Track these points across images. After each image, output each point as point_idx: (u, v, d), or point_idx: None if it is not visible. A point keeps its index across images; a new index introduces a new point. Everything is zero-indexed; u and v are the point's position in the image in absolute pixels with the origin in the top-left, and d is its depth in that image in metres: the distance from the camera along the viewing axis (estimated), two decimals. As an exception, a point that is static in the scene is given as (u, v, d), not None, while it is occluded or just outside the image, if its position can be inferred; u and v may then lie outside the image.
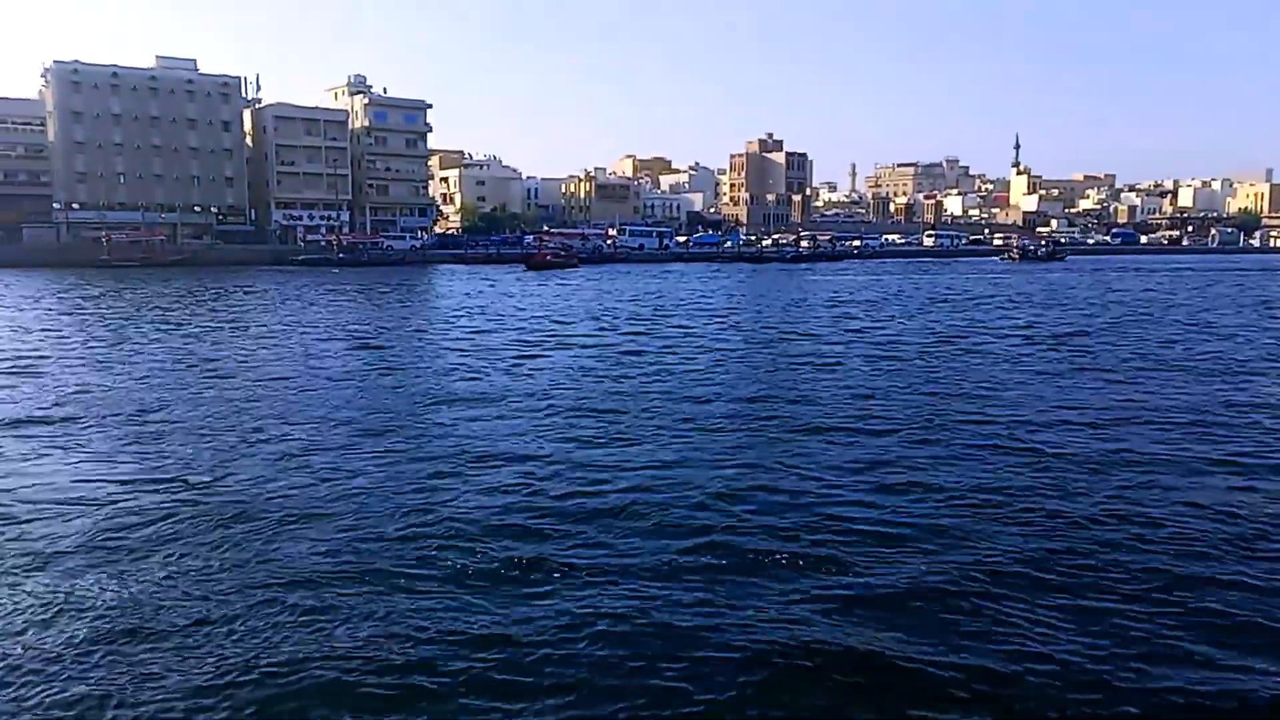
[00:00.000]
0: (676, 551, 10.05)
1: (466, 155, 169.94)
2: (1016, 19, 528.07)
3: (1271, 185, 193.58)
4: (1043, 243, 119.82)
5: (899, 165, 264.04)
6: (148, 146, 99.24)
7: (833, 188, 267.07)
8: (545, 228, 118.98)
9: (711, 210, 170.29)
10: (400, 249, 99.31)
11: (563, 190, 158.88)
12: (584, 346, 28.74)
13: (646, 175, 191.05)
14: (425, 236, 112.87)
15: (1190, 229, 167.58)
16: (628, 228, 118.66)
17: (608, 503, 11.80)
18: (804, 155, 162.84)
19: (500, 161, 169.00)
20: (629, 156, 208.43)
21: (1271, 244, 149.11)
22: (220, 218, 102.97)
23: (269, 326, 34.30)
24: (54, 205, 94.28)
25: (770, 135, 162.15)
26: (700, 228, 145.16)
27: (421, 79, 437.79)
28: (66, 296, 50.04)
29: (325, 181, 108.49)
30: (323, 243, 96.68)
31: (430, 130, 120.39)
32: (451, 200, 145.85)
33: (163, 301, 46.57)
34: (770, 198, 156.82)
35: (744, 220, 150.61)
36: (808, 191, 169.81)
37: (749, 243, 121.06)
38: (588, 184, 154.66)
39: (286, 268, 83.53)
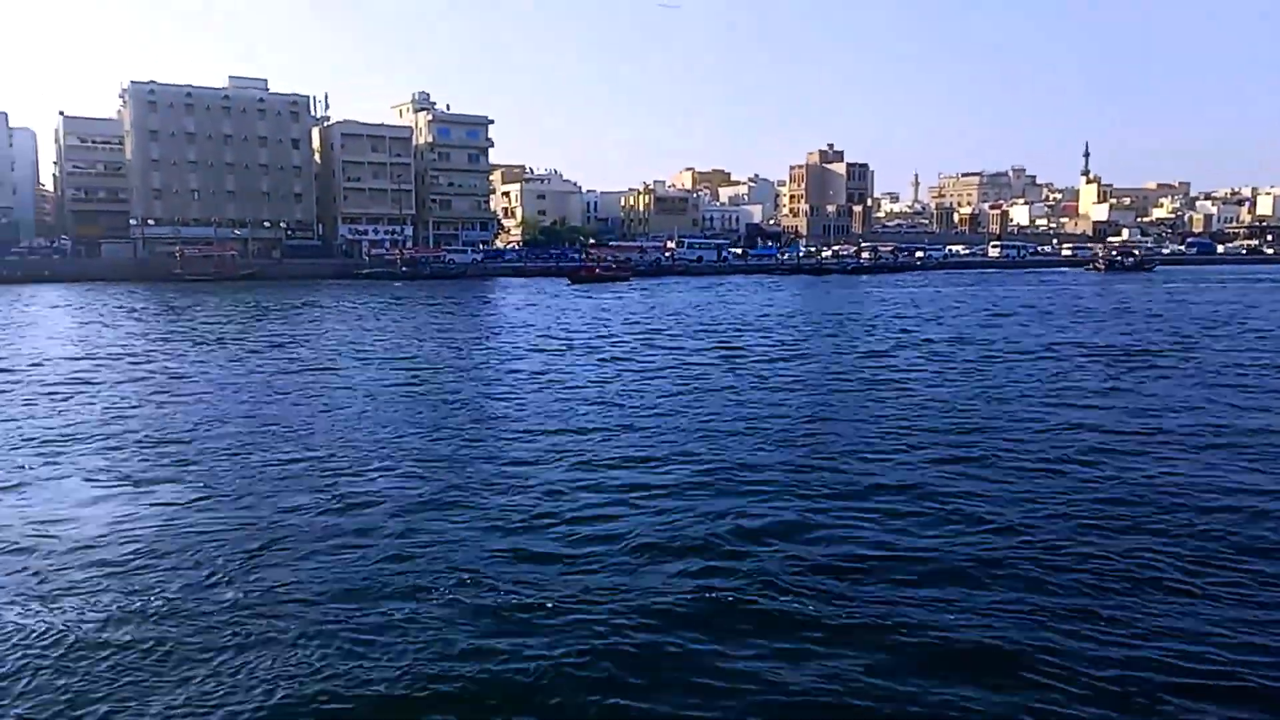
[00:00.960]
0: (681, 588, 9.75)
1: (527, 170, 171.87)
2: (1085, 24, 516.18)
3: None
4: (1134, 252, 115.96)
5: (963, 175, 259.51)
6: (220, 164, 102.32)
7: (895, 198, 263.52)
8: (599, 241, 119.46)
9: (771, 222, 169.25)
10: (462, 262, 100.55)
11: (622, 203, 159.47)
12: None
13: (705, 187, 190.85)
14: (486, 249, 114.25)
15: (1270, 237, 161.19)
16: (686, 240, 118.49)
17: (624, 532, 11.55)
18: (865, 165, 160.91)
19: (560, 175, 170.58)
20: (688, 169, 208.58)
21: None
22: (289, 233, 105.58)
23: (321, 342, 34.60)
24: (131, 221, 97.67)
25: (830, 146, 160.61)
26: (759, 239, 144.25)
27: (483, 94, 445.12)
28: (136, 310, 51.70)
29: (390, 197, 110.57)
30: (386, 257, 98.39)
31: (492, 145, 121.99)
32: (513, 214, 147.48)
33: (226, 316, 47.77)
34: (830, 209, 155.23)
35: (804, 231, 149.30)
36: (869, 202, 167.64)
37: (809, 254, 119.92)
38: (647, 197, 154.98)
39: (351, 282, 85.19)
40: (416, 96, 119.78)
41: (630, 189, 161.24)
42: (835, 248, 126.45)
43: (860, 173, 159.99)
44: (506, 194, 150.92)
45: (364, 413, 19.53)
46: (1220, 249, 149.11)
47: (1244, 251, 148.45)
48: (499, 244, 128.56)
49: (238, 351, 31.21)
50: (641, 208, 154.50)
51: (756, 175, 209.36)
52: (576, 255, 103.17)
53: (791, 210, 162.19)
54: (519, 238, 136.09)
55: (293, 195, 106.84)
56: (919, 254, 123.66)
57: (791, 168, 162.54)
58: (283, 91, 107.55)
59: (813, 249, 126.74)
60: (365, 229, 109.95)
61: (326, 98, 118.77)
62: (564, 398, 21.33)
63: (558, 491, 13.05)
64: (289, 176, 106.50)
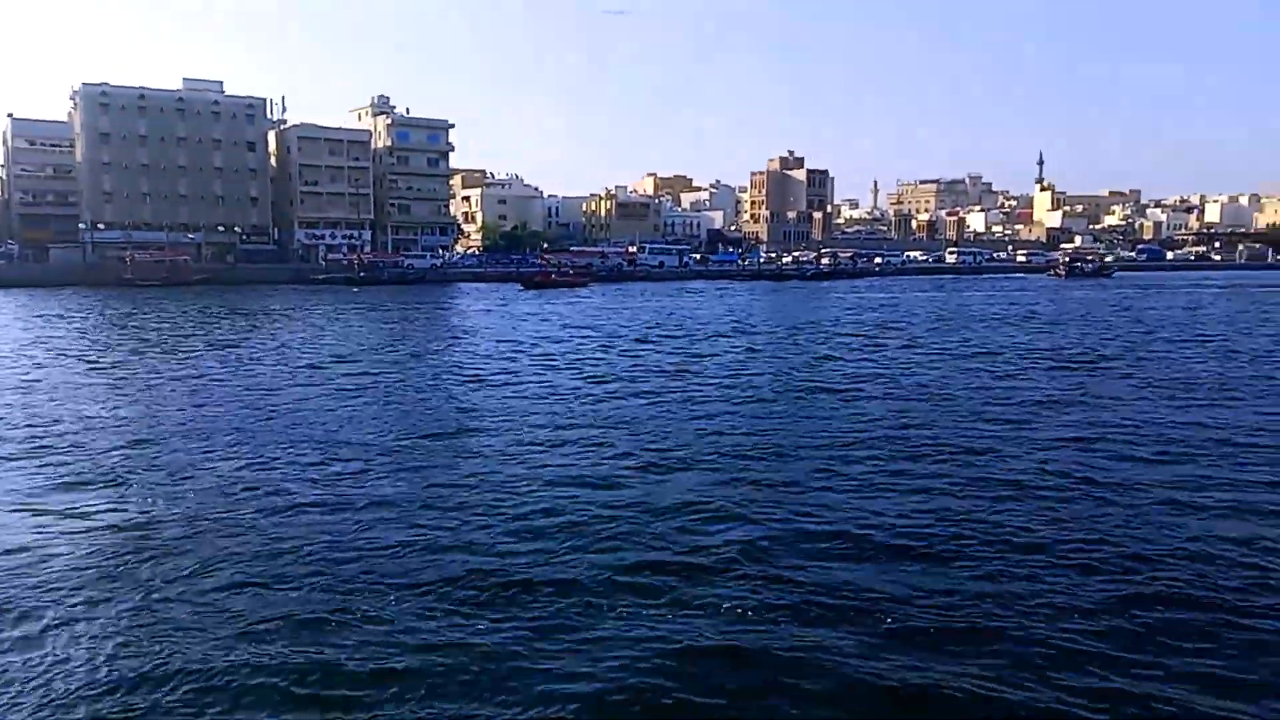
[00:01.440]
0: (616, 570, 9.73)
1: (488, 174, 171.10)
2: (1038, 34, 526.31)
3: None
4: (1094, 259, 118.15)
5: (921, 182, 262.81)
6: (173, 167, 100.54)
7: (854, 205, 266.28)
8: (561, 247, 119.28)
9: (732, 228, 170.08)
10: (421, 267, 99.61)
11: (584, 208, 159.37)
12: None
13: (667, 193, 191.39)
14: (447, 255, 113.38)
15: (1217, 245, 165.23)
16: (648, 246, 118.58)
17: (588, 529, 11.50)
18: (825, 172, 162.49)
19: (522, 181, 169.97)
20: (650, 175, 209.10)
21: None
22: (244, 237, 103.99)
23: (270, 349, 33.97)
24: (80, 225, 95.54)
25: (791, 153, 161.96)
26: (721, 245, 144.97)
27: (445, 99, 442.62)
28: (82, 315, 50.51)
29: (347, 201, 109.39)
30: (344, 262, 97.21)
31: (452, 150, 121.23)
32: (473, 219, 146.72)
33: (174, 321, 46.86)
34: (791, 215, 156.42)
35: (765, 238, 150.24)
36: (829, 209, 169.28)
37: (770, 260, 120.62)
38: (608, 202, 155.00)
39: (307, 287, 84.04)
40: (376, 100, 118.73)
41: (592, 194, 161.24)
42: (796, 254, 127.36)
43: (820, 179, 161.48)
44: (467, 199, 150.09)
45: (308, 420, 19.23)
46: (1170, 255, 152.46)
47: (1192, 258, 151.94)
48: (459, 249, 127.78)
49: (183, 358, 30.61)
50: (603, 213, 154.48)
51: (718, 181, 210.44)
52: (537, 261, 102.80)
53: (753, 216, 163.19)
54: (479, 243, 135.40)
55: (248, 199, 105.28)
56: (878, 260, 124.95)
57: (752, 174, 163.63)
58: (239, 94, 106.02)
59: (773, 255, 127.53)
60: (322, 233, 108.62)
61: (284, 101, 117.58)
62: (508, 406, 21.16)
63: (502, 499, 12.95)
64: (244, 180, 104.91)
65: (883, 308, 56.79)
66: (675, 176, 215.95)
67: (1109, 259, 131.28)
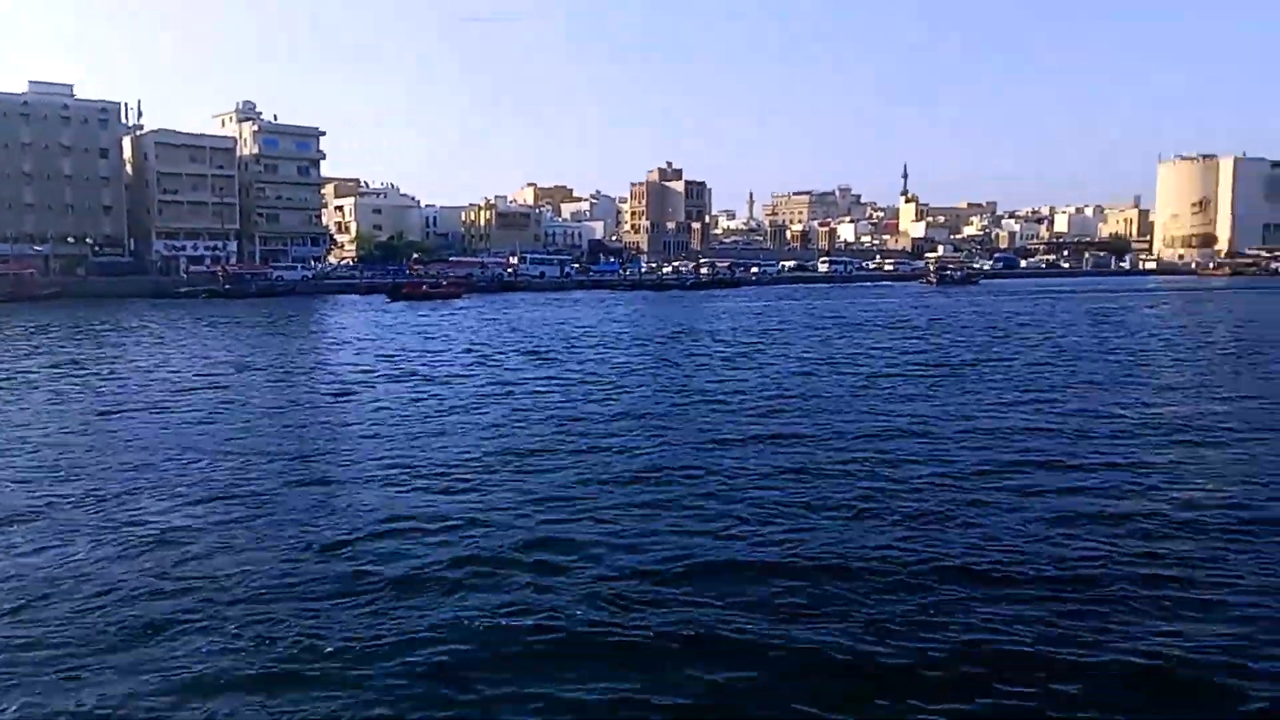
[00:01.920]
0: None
1: (363, 183, 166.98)
2: (903, 49, 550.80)
3: (1139, 211, 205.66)
4: (959, 269, 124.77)
5: (794, 194, 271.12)
6: (18, 174, 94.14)
7: (731, 215, 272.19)
8: (439, 257, 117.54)
9: (613, 238, 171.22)
10: (291, 279, 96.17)
11: (463, 219, 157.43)
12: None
13: (548, 203, 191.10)
14: (319, 266, 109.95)
15: (1066, 253, 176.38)
16: (528, 256, 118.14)
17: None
18: (703, 184, 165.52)
19: (398, 190, 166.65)
20: (530, 184, 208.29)
21: (1140, 266, 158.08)
22: (96, 248, 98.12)
23: (115, 369, 32.16)
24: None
25: (670, 164, 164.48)
26: (602, 255, 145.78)
27: (319, 109, 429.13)
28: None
29: (211, 210, 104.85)
30: (207, 273, 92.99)
31: (324, 158, 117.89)
32: (347, 229, 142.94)
33: (10, 341, 43.86)
34: (670, 226, 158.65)
35: (645, 248, 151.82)
36: (707, 219, 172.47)
37: (650, 270, 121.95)
38: (488, 212, 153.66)
39: (167, 301, 79.95)
40: (240, 106, 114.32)
41: (471, 204, 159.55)
42: (676, 264, 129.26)
43: (699, 191, 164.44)
44: (340, 208, 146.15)
45: (148, 445, 18.28)
46: (1023, 263, 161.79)
47: (1043, 265, 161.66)
48: (332, 260, 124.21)
49: (17, 384, 28.64)
50: (483, 223, 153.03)
51: (599, 192, 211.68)
52: (406, 271, 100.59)
53: (633, 227, 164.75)
54: (354, 253, 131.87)
55: (100, 208, 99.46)
56: (754, 269, 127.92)
57: (632, 185, 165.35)
58: (90, 98, 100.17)
59: (654, 265, 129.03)
60: (183, 244, 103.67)
61: (139, 105, 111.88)
62: (353, 422, 20.71)
63: (344, 514, 12.70)
64: (96, 188, 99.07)
65: (762, 315, 58.21)
66: (555, 187, 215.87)
67: (976, 266, 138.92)
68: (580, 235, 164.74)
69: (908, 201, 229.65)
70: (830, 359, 32.58)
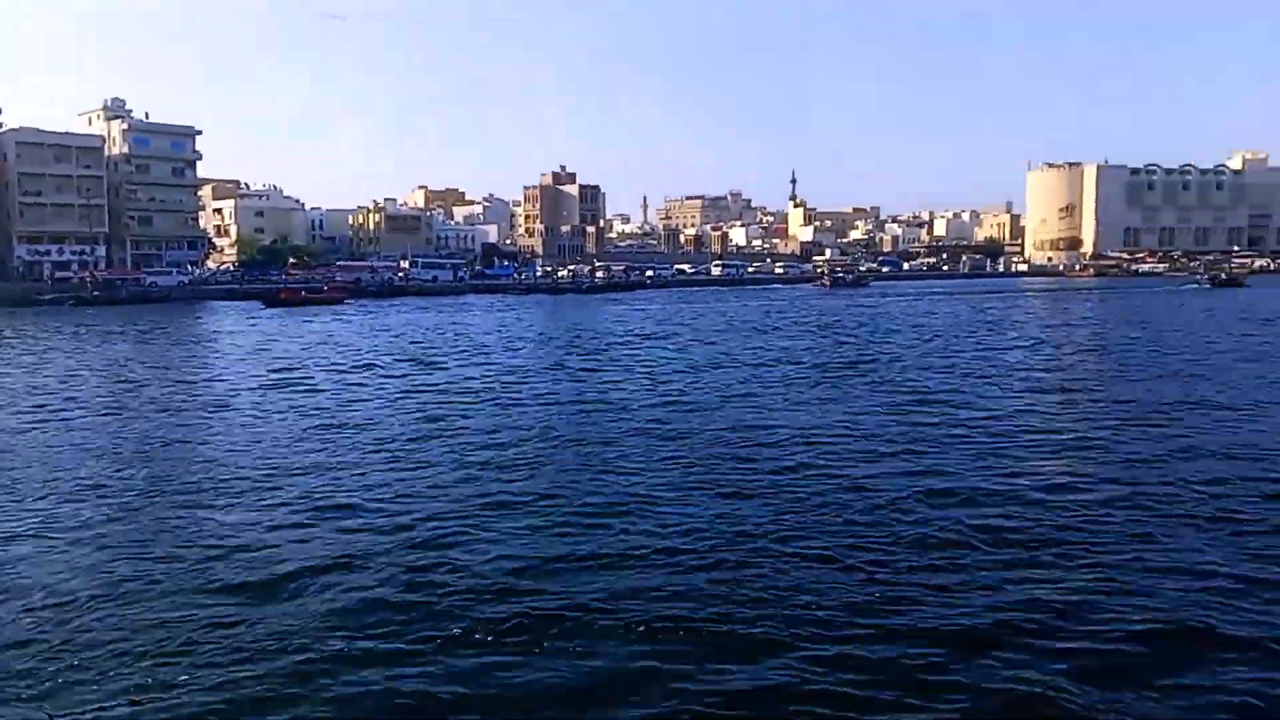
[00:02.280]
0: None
1: (243, 185, 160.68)
2: (787, 55, 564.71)
3: (1011, 216, 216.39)
4: (850, 272, 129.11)
5: (687, 198, 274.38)
6: None
7: (626, 219, 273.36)
8: (325, 261, 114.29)
9: (507, 242, 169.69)
10: (166, 285, 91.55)
11: (351, 222, 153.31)
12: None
13: (439, 206, 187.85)
14: (197, 271, 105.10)
15: (945, 256, 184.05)
16: (420, 260, 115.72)
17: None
18: (596, 188, 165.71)
19: (281, 192, 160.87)
20: (421, 187, 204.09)
21: (1012, 268, 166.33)
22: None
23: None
24: None
25: (563, 168, 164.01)
26: (496, 259, 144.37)
27: (196, 106, 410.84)
28: None
29: (77, 213, 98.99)
30: (75, 279, 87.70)
31: (200, 158, 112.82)
32: (226, 232, 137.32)
33: None
34: (565, 229, 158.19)
35: (540, 251, 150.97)
36: (601, 223, 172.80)
37: (545, 274, 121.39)
38: (377, 215, 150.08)
39: (29, 309, 74.93)
40: (109, 103, 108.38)
41: (360, 207, 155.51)
42: (571, 267, 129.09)
43: (593, 194, 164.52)
44: (219, 210, 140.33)
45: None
46: (906, 266, 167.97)
47: (924, 268, 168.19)
48: (211, 264, 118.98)
49: None
50: (372, 226, 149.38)
51: (491, 195, 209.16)
52: (283, 276, 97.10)
53: (527, 230, 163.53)
54: (235, 258, 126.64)
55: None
56: (649, 273, 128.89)
57: (526, 188, 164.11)
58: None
59: (549, 268, 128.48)
60: (48, 249, 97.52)
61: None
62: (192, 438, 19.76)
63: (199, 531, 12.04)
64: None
65: (658, 317, 58.54)
66: (447, 189, 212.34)
67: (863, 269, 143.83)
68: (473, 239, 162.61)
69: (796, 206, 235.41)
70: (753, 359, 32.93)
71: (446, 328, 52.81)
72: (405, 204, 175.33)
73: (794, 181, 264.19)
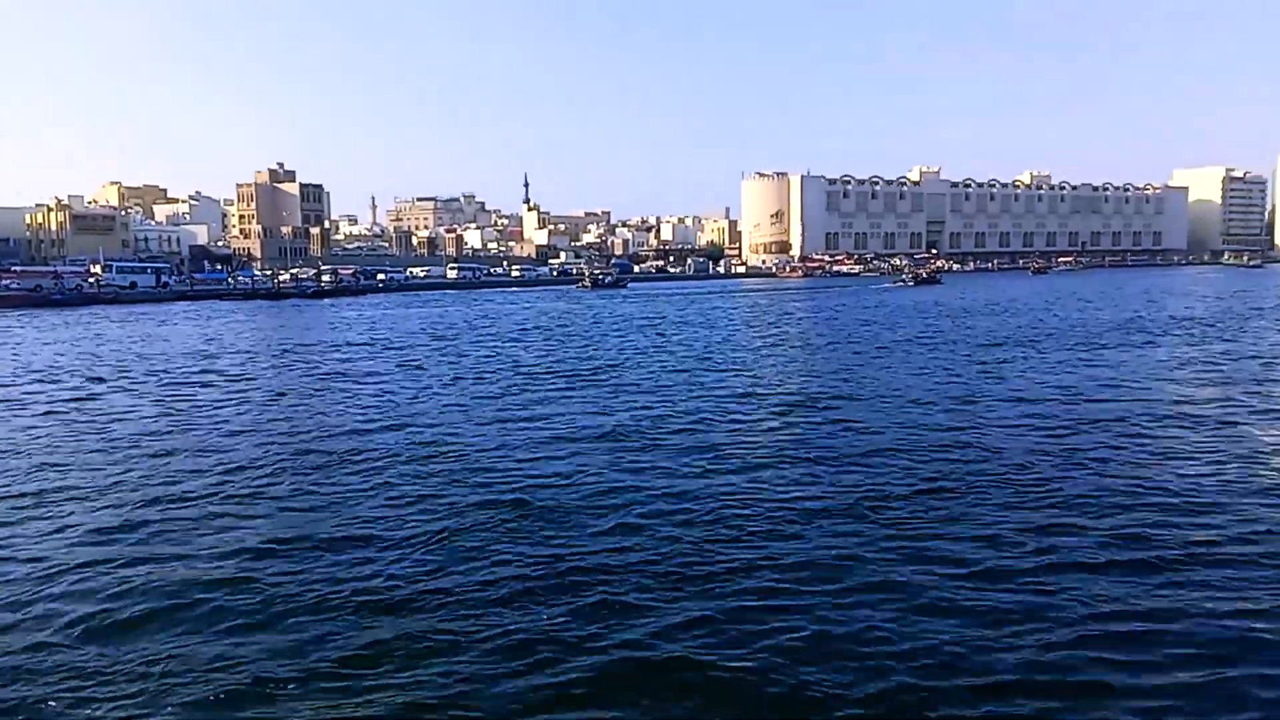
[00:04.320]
0: None
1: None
2: (518, 63, 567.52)
3: (730, 221, 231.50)
4: (607, 274, 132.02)
5: (419, 199, 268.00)
6: None
7: (354, 221, 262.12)
8: (9, 266, 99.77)
9: (220, 244, 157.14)
10: None
11: (28, 221, 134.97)
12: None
13: (136, 205, 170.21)
14: None
15: (672, 259, 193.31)
16: (115, 264, 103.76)
17: None
18: (320, 186, 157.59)
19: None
20: (114, 183, 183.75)
21: (733, 271, 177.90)
22: None
23: None
24: None
25: (281, 165, 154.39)
26: (208, 263, 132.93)
27: None
28: None
29: None
30: None
31: None
32: None
33: None
34: (286, 230, 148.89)
35: (258, 254, 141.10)
36: (326, 224, 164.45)
37: (266, 278, 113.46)
38: (60, 214, 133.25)
39: None
40: None
41: (39, 204, 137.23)
42: (294, 271, 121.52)
43: (315, 194, 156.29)
44: None
45: None
46: (636, 269, 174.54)
47: (653, 271, 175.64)
48: None
49: None
50: (54, 226, 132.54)
51: (199, 193, 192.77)
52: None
53: (243, 231, 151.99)
54: None
55: None
56: (381, 276, 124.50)
57: (239, 186, 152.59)
58: None
59: (269, 272, 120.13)
60: None
61: None
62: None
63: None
64: None
65: (377, 323, 56.45)
66: (146, 186, 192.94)
67: (597, 271, 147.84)
68: (179, 240, 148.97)
69: (530, 209, 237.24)
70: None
71: (136, 340, 47.34)
72: (95, 202, 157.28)
73: (527, 185, 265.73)
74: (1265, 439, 16.92)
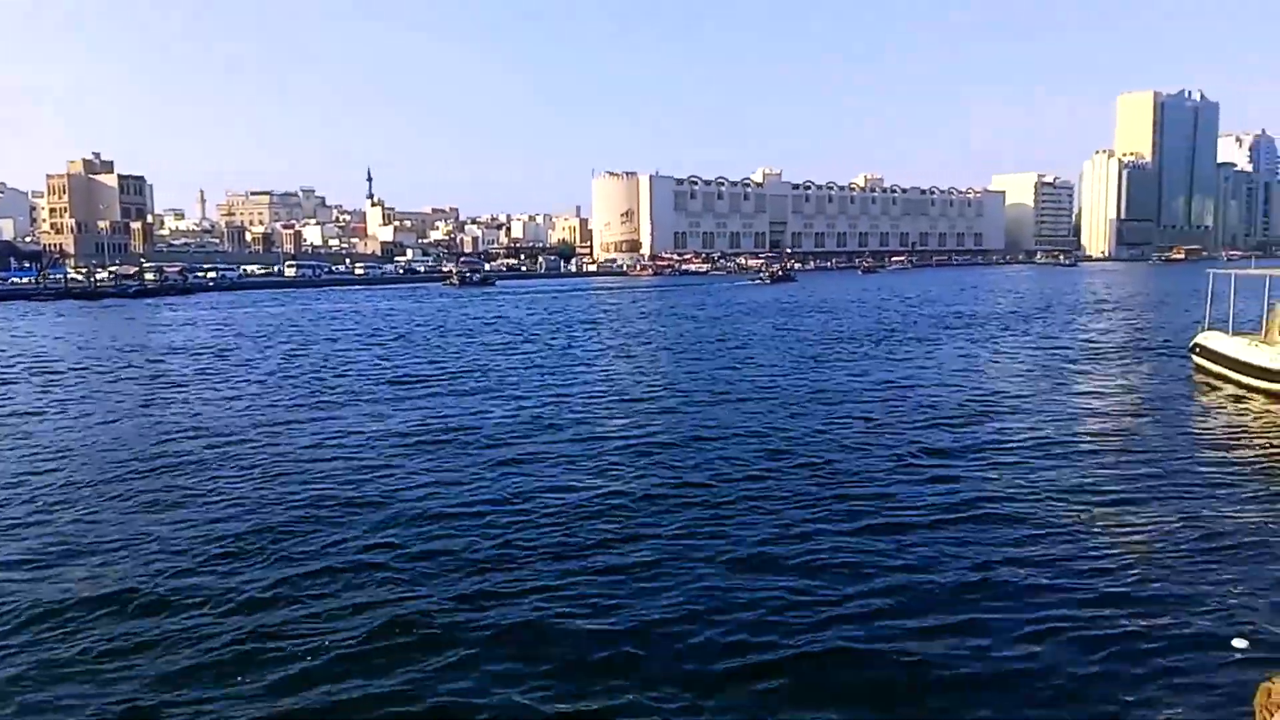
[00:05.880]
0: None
1: None
2: (359, 56, 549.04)
3: (581, 220, 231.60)
4: (476, 272, 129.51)
5: (253, 193, 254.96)
6: None
7: (180, 215, 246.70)
8: None
9: (27, 239, 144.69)
10: None
11: None
12: None
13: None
14: None
15: (524, 257, 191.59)
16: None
17: None
18: (141, 179, 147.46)
19: None
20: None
21: (584, 269, 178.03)
22: None
23: None
24: None
25: (98, 155, 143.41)
26: (13, 260, 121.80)
27: None
28: None
29: None
30: None
31: None
32: None
33: None
34: (104, 225, 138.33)
35: (71, 250, 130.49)
36: (149, 218, 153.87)
37: (81, 276, 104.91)
38: None
39: None
40: None
41: None
42: (113, 268, 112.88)
43: (137, 186, 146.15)
44: None
45: None
46: (488, 266, 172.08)
47: (505, 269, 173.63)
48: None
49: None
50: None
51: (3, 184, 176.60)
52: None
53: (54, 226, 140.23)
54: None
55: None
56: (211, 274, 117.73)
57: (49, 177, 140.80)
58: None
59: (84, 270, 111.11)
60: None
61: None
62: None
63: None
64: None
65: (218, 326, 53.40)
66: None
67: (445, 269, 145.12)
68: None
69: (374, 205, 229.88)
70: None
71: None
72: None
73: (370, 179, 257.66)
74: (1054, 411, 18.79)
